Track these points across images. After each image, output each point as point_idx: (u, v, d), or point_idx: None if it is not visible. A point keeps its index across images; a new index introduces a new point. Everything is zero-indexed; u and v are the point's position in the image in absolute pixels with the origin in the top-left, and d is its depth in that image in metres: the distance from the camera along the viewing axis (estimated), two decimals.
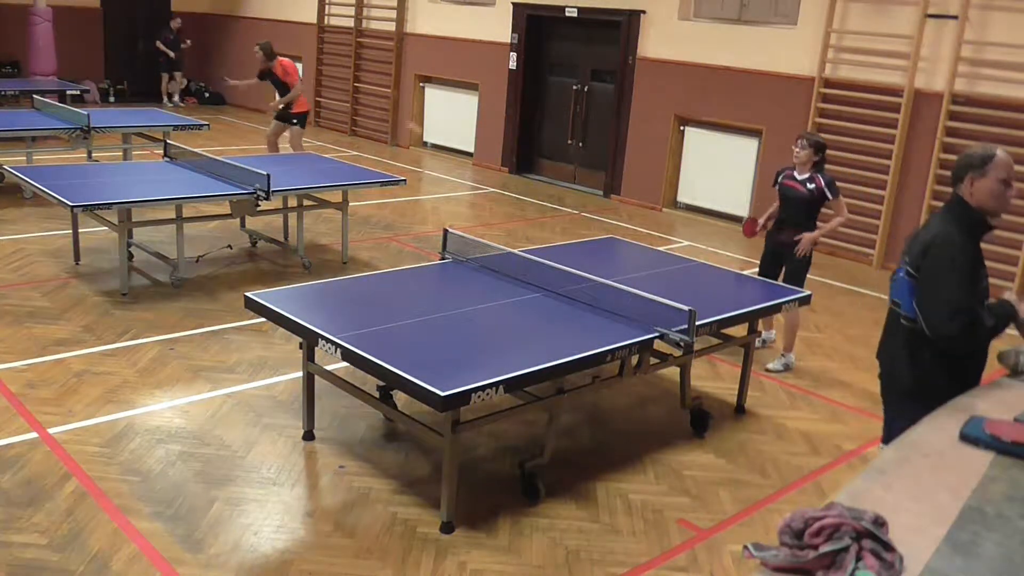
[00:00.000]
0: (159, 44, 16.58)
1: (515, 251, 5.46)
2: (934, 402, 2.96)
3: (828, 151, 9.34)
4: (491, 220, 10.07)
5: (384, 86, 14.54)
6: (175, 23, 16.86)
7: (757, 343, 6.19)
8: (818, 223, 5.98)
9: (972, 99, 8.52)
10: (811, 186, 5.86)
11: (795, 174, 5.95)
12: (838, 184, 5.98)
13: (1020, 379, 3.27)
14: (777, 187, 6.06)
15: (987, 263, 3.50)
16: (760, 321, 6.25)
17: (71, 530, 3.78)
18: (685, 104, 10.81)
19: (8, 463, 4.27)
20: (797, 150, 5.91)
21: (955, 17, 8.46)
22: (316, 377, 4.66)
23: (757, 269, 6.30)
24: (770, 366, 6.07)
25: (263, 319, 4.64)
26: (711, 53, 10.43)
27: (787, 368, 6.09)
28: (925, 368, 3.38)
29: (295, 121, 10.52)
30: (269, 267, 7.75)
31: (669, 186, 11.16)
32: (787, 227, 5.97)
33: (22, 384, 5.11)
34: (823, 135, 9.49)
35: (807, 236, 5.86)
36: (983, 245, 3.45)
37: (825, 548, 1.86)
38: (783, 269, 6.03)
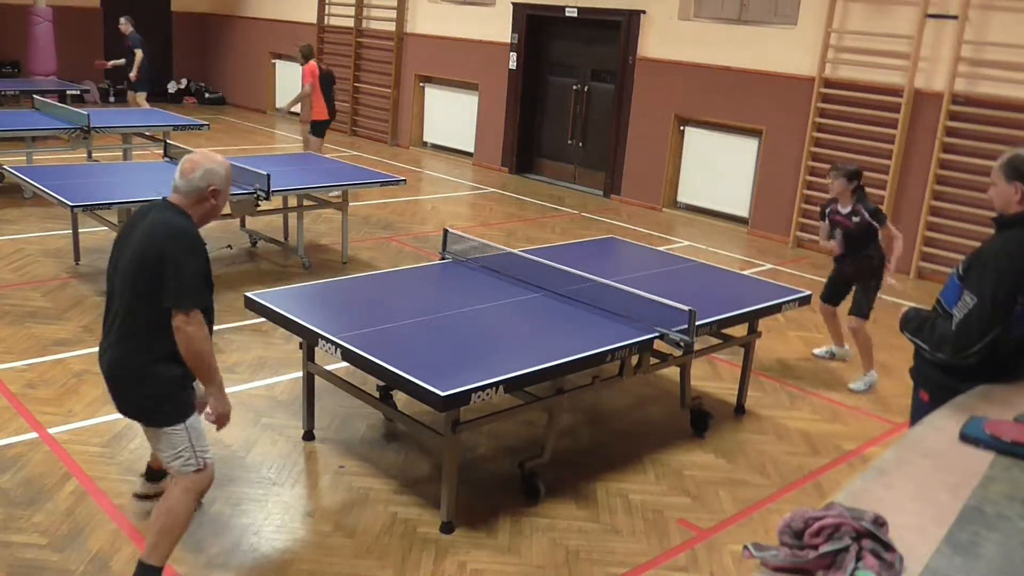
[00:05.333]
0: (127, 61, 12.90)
1: (515, 251, 5.46)
2: None
3: (829, 151, 9.46)
4: (491, 220, 10.06)
5: (384, 86, 14.53)
6: (125, 27, 12.96)
7: (823, 352, 6.35)
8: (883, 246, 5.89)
9: (972, 99, 8.52)
10: (856, 219, 5.75)
11: (839, 208, 5.85)
12: (882, 209, 5.84)
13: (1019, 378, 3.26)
14: (827, 220, 5.95)
15: None
16: (832, 337, 6.31)
17: (71, 530, 3.78)
18: (685, 104, 10.81)
19: (8, 463, 4.27)
20: (830, 182, 5.85)
21: (955, 17, 8.46)
22: (316, 377, 4.66)
23: (757, 269, 6.29)
24: (852, 386, 5.92)
25: (263, 319, 4.64)
26: (711, 53, 10.43)
27: (870, 386, 5.92)
28: None
29: (310, 130, 10.53)
30: (269, 267, 7.75)
31: (669, 186, 11.16)
32: (848, 258, 5.89)
33: (22, 384, 5.11)
34: (823, 135, 9.55)
35: (888, 279, 5.79)
36: None
37: (825, 548, 1.86)
38: (852, 293, 5.98)
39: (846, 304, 6.01)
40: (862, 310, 5.84)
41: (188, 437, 3.29)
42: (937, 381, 3.36)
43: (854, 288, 5.94)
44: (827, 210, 5.97)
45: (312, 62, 10.42)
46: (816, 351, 6.47)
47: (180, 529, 3.33)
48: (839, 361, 6.33)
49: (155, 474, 3.98)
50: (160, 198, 3.36)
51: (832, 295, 6.14)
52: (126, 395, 3.32)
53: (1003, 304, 3.14)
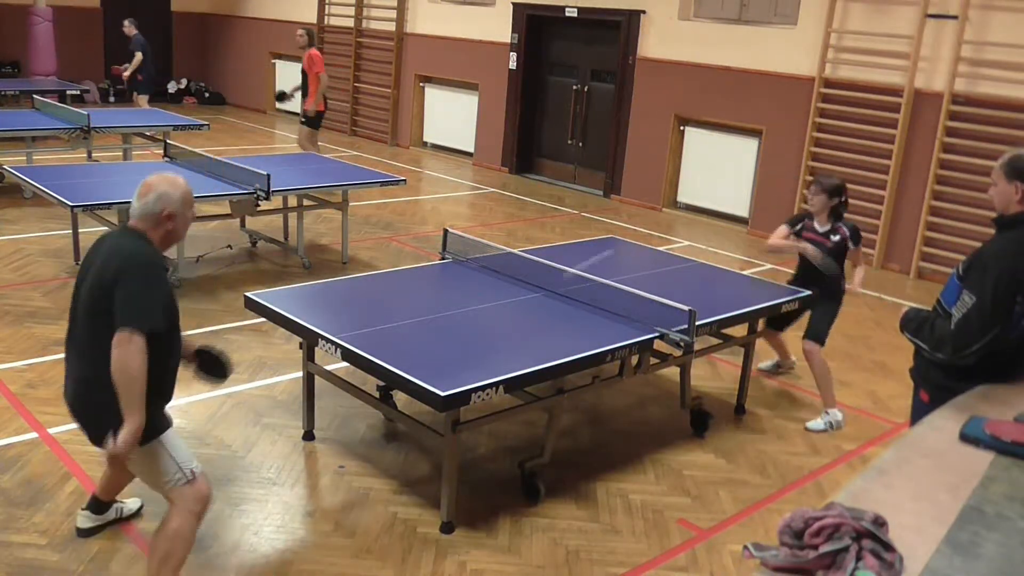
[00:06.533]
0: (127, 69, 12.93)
1: (515, 251, 5.46)
2: None
3: (829, 151, 9.47)
4: (491, 220, 10.07)
5: (384, 86, 14.54)
6: (129, 29, 12.89)
7: (769, 365, 6.11)
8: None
9: (972, 99, 8.52)
10: (836, 238, 5.28)
11: (816, 226, 5.36)
12: (861, 231, 5.42)
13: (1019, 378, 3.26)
14: (794, 234, 5.44)
15: None
16: (777, 351, 6.01)
17: (71, 530, 3.78)
18: (685, 104, 10.81)
19: (8, 463, 4.27)
20: (811, 198, 5.35)
21: (955, 17, 8.46)
22: (316, 377, 4.66)
23: (757, 269, 6.27)
24: (810, 425, 5.33)
25: (263, 319, 4.64)
26: (711, 53, 10.43)
27: (832, 427, 5.32)
28: None
29: (303, 120, 10.50)
30: (269, 267, 7.75)
31: (669, 186, 11.16)
32: (814, 281, 5.36)
33: (22, 384, 5.11)
34: (823, 135, 9.55)
35: (857, 289, 5.35)
36: None
37: (825, 548, 1.86)
38: (808, 315, 5.48)
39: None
40: (819, 334, 5.35)
41: (167, 450, 3.17)
42: (937, 381, 3.37)
43: (810, 311, 5.42)
44: (799, 224, 5.46)
45: (315, 49, 10.36)
46: (763, 365, 6.10)
47: (183, 553, 3.20)
48: (785, 373, 6.07)
49: (101, 505, 3.78)
50: (120, 224, 3.27)
51: (780, 318, 5.54)
52: (96, 423, 3.14)
53: (1002, 304, 3.15)
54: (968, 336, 3.17)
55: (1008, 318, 3.16)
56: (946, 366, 3.30)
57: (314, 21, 15.54)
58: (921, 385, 3.50)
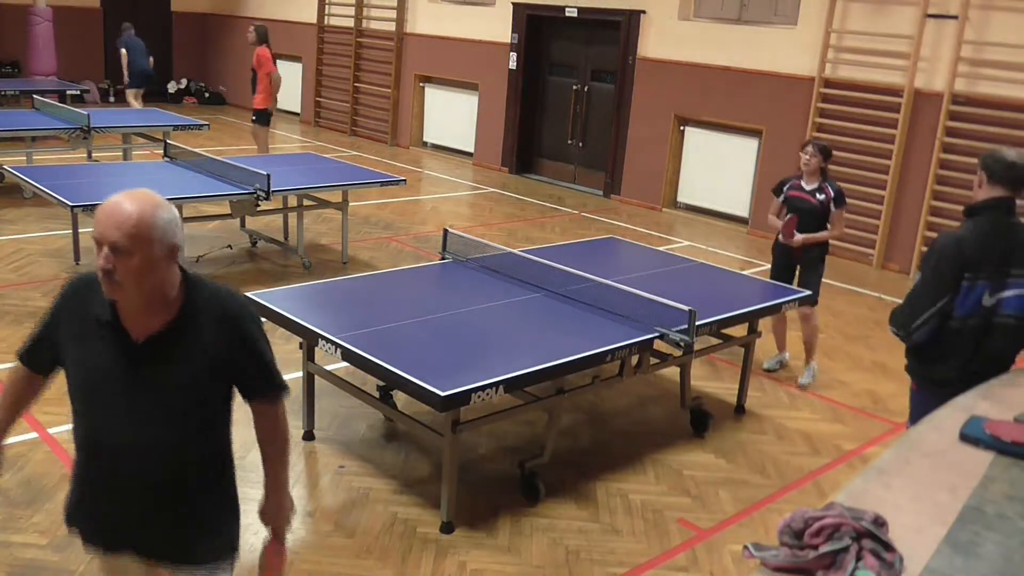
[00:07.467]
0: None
1: (515, 251, 5.47)
2: None
3: None
4: (491, 220, 10.07)
5: (384, 86, 14.53)
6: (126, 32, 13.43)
7: (774, 364, 6.13)
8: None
9: (972, 99, 8.52)
10: (821, 196, 5.61)
11: (803, 184, 5.70)
12: (845, 194, 5.76)
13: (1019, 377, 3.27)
14: (782, 198, 5.78)
15: None
16: (775, 340, 6.11)
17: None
18: (685, 104, 10.81)
19: (8, 463, 4.25)
20: (807, 158, 5.65)
21: (955, 17, 8.46)
22: (316, 377, 4.66)
23: (757, 269, 6.27)
24: (802, 380, 5.89)
25: (263, 319, 4.63)
26: (711, 53, 10.43)
27: (814, 377, 5.92)
28: None
29: (253, 118, 10.51)
30: (269, 267, 7.75)
31: (669, 186, 11.16)
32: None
33: None
34: (823, 135, 9.55)
35: (801, 237, 5.59)
36: None
37: (825, 548, 1.86)
38: (796, 278, 5.82)
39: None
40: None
41: None
42: (914, 368, 3.57)
43: (798, 273, 5.77)
44: (785, 186, 5.79)
45: (266, 46, 10.33)
46: (767, 364, 6.15)
47: None
48: (786, 367, 6.17)
49: None
50: None
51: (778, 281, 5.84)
52: None
53: (942, 276, 3.34)
54: (913, 310, 3.38)
55: (950, 290, 3.32)
56: (913, 349, 3.50)
57: (314, 21, 15.55)
58: (910, 376, 3.67)
